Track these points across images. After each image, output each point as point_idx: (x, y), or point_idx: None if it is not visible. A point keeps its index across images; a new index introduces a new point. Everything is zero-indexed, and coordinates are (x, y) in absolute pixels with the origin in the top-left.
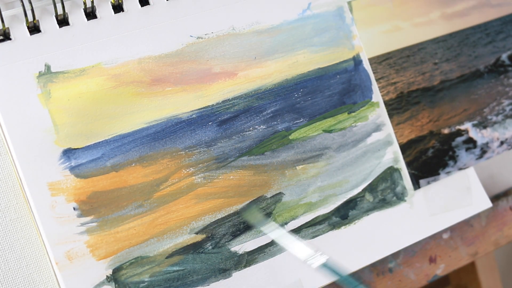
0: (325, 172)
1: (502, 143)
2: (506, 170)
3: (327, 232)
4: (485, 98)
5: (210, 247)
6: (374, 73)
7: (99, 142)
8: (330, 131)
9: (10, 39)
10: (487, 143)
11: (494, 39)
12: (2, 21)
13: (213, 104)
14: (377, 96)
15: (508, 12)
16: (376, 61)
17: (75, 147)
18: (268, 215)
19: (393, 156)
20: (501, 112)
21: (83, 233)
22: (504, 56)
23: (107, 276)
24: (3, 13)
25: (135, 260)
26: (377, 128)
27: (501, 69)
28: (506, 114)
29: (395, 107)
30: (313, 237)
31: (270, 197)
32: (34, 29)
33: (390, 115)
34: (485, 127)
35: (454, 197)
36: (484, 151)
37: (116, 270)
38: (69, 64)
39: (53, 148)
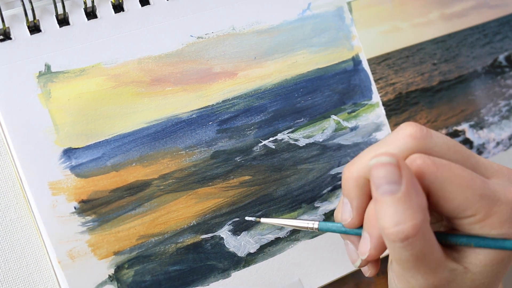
0: (326, 172)
1: (498, 144)
2: None
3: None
4: (483, 99)
5: (210, 247)
6: (372, 73)
7: (100, 141)
8: None
9: (10, 38)
10: (483, 144)
11: (492, 40)
12: (3, 21)
13: (213, 104)
14: (376, 96)
15: (505, 13)
16: (375, 61)
17: (76, 147)
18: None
19: None
20: (497, 113)
21: (84, 232)
22: (501, 57)
23: (109, 275)
24: (3, 12)
25: (136, 260)
26: (377, 128)
27: (498, 70)
28: (503, 115)
29: (393, 108)
30: (313, 237)
31: (271, 197)
32: (34, 28)
33: (388, 116)
34: (481, 128)
35: None
36: (480, 152)
37: (117, 270)
38: (69, 64)
39: (53, 148)
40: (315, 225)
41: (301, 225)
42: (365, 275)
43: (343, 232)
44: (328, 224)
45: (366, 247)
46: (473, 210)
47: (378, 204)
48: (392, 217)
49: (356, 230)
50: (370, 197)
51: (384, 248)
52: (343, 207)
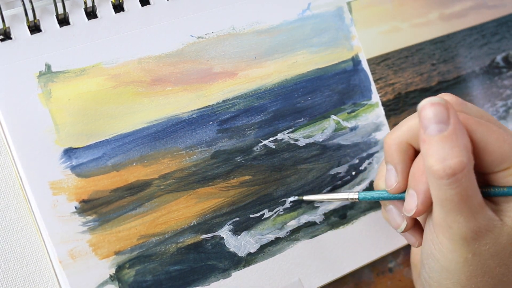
0: (325, 172)
1: None
2: None
3: (326, 232)
4: (480, 99)
5: (210, 246)
6: (372, 74)
7: (100, 141)
8: None
9: (10, 38)
10: None
11: (490, 40)
12: (3, 21)
13: (213, 104)
14: (376, 96)
15: (503, 13)
16: (374, 61)
17: (76, 147)
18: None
19: None
20: (494, 114)
21: (85, 232)
22: (498, 58)
23: (110, 275)
24: (3, 12)
25: (137, 260)
26: (377, 128)
27: (496, 70)
28: (500, 115)
29: (392, 108)
30: (312, 236)
31: (271, 197)
32: (34, 28)
33: (388, 116)
34: None
35: None
36: None
37: (118, 269)
38: (70, 63)
39: (54, 148)
40: (355, 195)
41: (342, 198)
42: (399, 230)
43: (386, 199)
44: (369, 193)
45: (413, 203)
46: (509, 162)
47: (426, 145)
48: (440, 154)
49: (398, 195)
50: (412, 161)
51: (430, 203)
52: (388, 174)
